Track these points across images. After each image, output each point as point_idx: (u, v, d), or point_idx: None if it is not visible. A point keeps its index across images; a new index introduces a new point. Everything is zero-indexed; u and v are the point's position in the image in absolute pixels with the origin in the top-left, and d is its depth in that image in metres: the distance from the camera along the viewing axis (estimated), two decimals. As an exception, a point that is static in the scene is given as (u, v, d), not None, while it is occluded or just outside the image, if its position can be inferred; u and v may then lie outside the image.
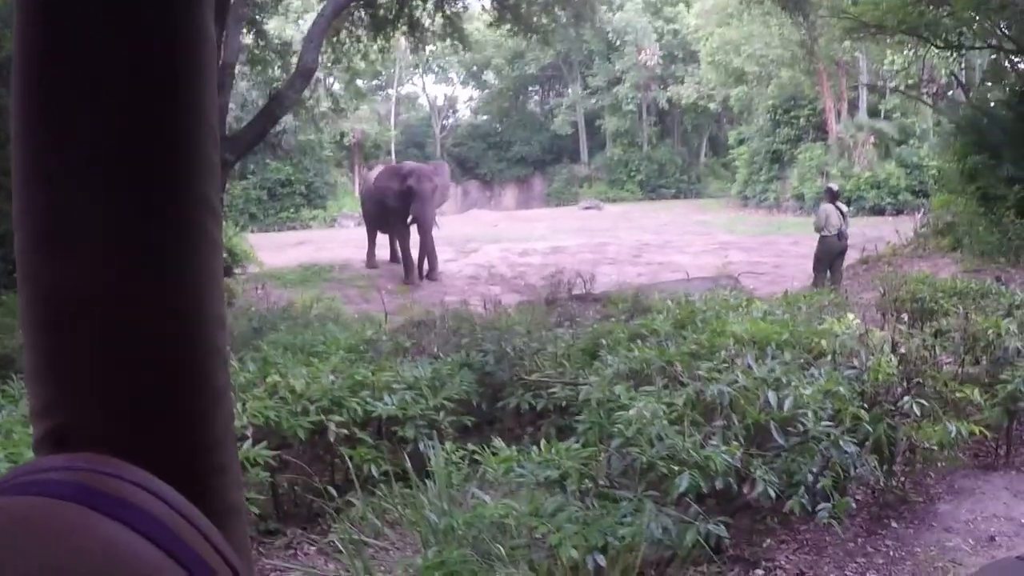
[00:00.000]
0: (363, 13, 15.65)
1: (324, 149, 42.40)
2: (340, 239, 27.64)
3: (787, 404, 4.61)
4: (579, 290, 12.41)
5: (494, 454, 4.52)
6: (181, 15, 0.74)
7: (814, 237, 14.60)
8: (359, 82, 27.35)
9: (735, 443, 4.33)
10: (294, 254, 22.77)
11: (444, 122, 56.31)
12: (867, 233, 17.45)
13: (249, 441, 5.16)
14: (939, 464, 5.92)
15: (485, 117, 56.34)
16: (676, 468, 4.08)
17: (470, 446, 4.88)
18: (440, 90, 64.64)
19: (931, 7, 15.90)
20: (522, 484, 4.41)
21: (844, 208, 14.71)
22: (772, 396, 4.61)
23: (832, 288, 11.73)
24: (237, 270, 16.87)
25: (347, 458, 5.40)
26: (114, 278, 0.72)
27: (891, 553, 5.03)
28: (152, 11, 0.72)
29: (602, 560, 3.80)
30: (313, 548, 5.32)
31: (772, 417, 4.60)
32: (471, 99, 59.33)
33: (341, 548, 4.47)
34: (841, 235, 14.06)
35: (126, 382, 0.72)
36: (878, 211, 29.74)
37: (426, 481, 4.73)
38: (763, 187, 38.22)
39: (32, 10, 0.71)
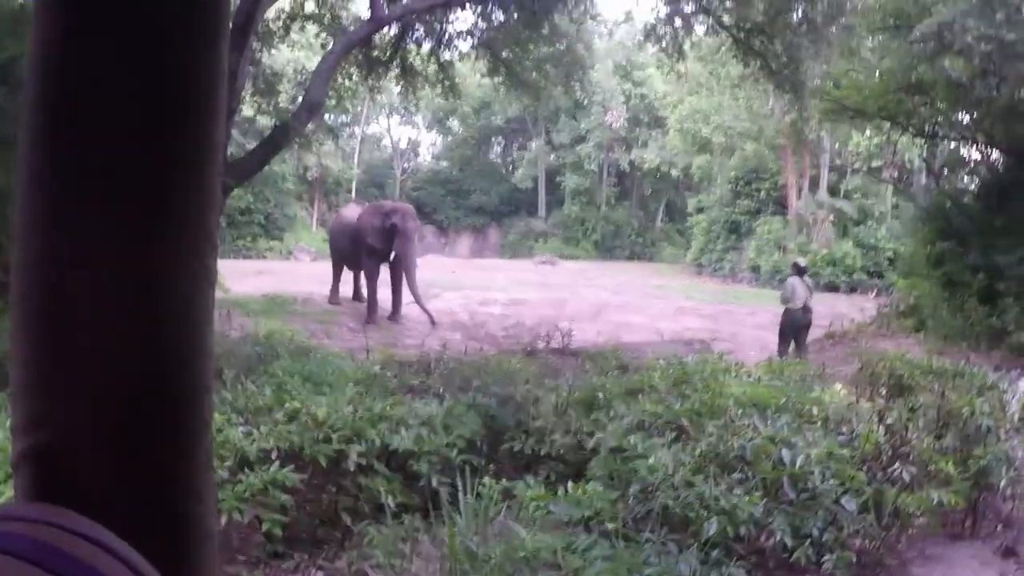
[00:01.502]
0: (359, 53, 15.78)
1: (286, 181, 42.23)
2: (300, 272, 27.39)
3: (798, 462, 4.93)
4: (556, 343, 12.64)
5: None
6: (200, 55, 0.76)
7: (769, 309, 15.01)
8: (326, 117, 27.38)
9: (756, 494, 4.62)
10: (255, 283, 22.43)
11: (405, 165, 56.31)
12: (823, 310, 17.80)
13: (276, 463, 5.27)
14: (910, 531, 6.23)
15: (446, 163, 56.28)
16: (704, 514, 4.35)
17: (504, 482, 5.04)
18: (404, 132, 64.86)
19: (910, 96, 16.41)
20: (547, 522, 4.63)
21: (810, 282, 15.17)
22: (787, 453, 4.93)
23: (800, 359, 12.15)
24: (206, 295, 16.52)
25: (362, 487, 5.48)
26: (115, 304, 0.72)
27: (871, 610, 5.30)
28: (173, 50, 0.74)
29: (630, 597, 4.04)
30: (321, 573, 5.28)
31: (785, 473, 4.90)
32: (434, 144, 59.61)
33: (369, 572, 4.59)
34: (806, 308, 14.51)
35: (117, 406, 0.72)
36: (832, 288, 30.18)
37: (452, 515, 4.77)
38: (719, 256, 38.69)
39: (53, 40, 0.72)
